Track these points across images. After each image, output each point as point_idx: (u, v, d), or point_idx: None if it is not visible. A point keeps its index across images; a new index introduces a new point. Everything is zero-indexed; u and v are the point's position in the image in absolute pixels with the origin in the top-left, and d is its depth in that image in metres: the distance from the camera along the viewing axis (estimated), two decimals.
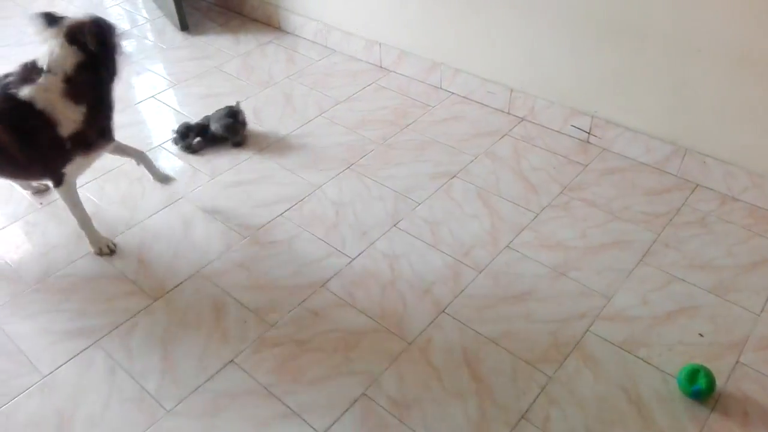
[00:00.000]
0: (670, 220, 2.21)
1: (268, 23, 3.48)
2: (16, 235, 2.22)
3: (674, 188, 2.35)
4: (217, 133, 2.58)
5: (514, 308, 1.93)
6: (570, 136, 2.60)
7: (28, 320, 1.92)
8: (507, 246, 2.14)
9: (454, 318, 1.90)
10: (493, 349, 1.82)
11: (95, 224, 2.15)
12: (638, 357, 1.79)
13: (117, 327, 1.89)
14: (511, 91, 2.69)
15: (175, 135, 2.62)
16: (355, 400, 1.69)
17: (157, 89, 3.00)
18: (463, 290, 1.99)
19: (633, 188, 2.35)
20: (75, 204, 2.07)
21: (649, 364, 1.77)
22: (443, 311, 1.93)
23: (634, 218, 2.22)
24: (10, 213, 2.31)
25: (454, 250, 2.13)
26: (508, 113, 2.74)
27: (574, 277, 2.02)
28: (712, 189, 2.33)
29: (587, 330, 1.86)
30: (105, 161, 2.48)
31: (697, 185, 2.35)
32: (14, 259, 2.12)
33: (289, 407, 1.68)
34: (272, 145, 2.61)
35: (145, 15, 3.66)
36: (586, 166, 2.46)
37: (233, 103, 2.64)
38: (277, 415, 1.66)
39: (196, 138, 2.59)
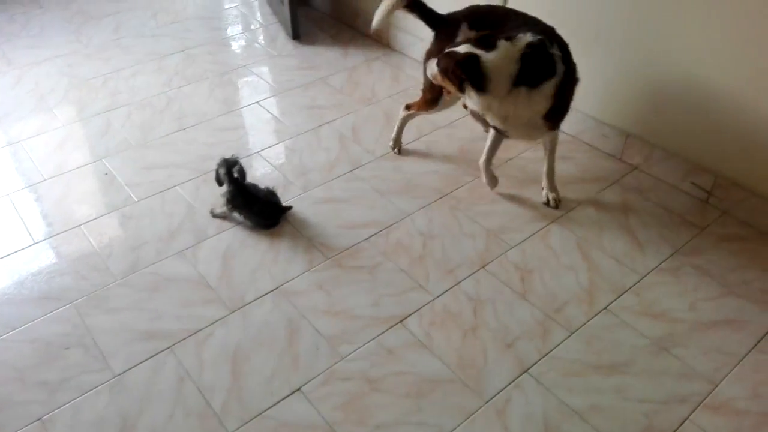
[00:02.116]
0: None
1: (378, 39, 3.44)
2: (110, 226, 2.27)
3: None
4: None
5: (607, 380, 1.76)
6: (687, 193, 2.38)
7: (109, 314, 1.94)
8: (605, 308, 1.96)
9: (537, 381, 1.76)
10: (577, 423, 1.65)
11: (185, 223, 2.17)
12: None
13: (192, 334, 1.87)
14: (627, 136, 2.50)
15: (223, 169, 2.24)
16: None
17: (262, 95, 3.02)
18: (550, 351, 1.84)
19: (754, 261, 2.11)
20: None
21: None
22: (526, 371, 1.78)
23: (752, 296, 1.99)
24: (108, 203, 2.37)
25: (545, 304, 1.98)
26: (620, 159, 2.56)
27: (677, 355, 1.82)
28: None
29: (687, 418, 1.67)
30: (206, 161, 2.51)
31: None
32: (105, 249, 2.17)
33: None
34: (366, 165, 2.55)
35: (260, 20, 3.72)
36: (704, 229, 2.24)
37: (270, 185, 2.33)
38: None
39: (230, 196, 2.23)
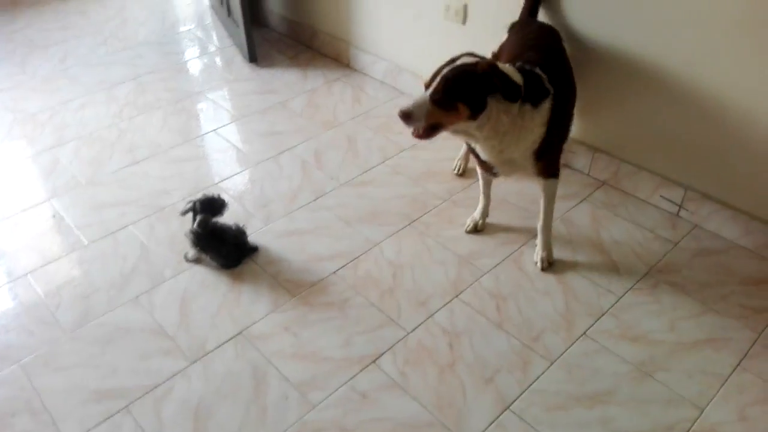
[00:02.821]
0: None
1: (337, 59, 3.36)
2: (59, 273, 2.12)
3: None
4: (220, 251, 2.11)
5: (591, 412, 1.69)
6: (657, 207, 2.34)
7: (58, 373, 1.80)
8: (584, 333, 1.90)
9: (520, 417, 1.67)
10: None
11: (139, 265, 2.04)
12: None
13: (150, 391, 1.74)
14: (594, 151, 2.46)
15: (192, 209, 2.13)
16: None
17: (219, 123, 2.91)
18: (531, 383, 1.76)
19: (729, 275, 2.08)
20: None
21: None
22: (508, 408, 1.70)
23: (732, 311, 1.95)
24: (57, 247, 2.22)
25: (523, 333, 1.90)
26: (588, 175, 2.51)
27: (661, 380, 1.76)
28: None
29: None
30: (161, 197, 2.39)
31: None
32: (53, 299, 2.02)
33: None
34: (330, 192, 2.46)
35: (215, 43, 3.61)
36: (676, 244, 2.20)
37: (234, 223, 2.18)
38: None
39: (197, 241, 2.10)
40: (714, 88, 2.02)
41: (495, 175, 2.02)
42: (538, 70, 1.81)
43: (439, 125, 1.73)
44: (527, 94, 1.74)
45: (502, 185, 2.41)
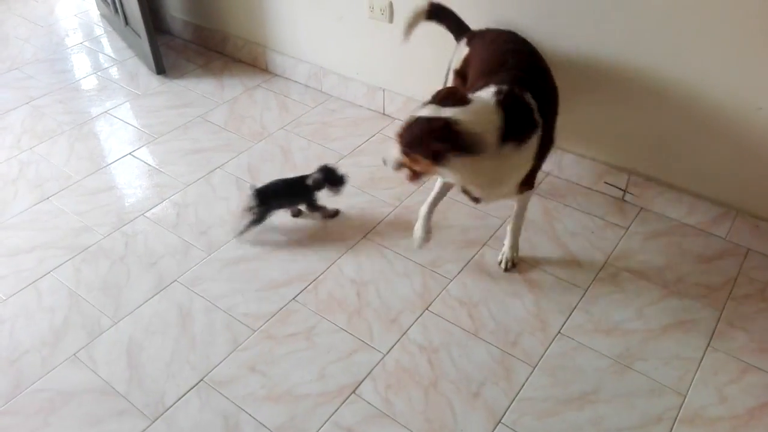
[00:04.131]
0: (730, 293, 2.00)
1: (254, 64, 3.17)
2: None
3: (725, 254, 2.14)
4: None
5: (581, 414, 1.66)
6: (603, 193, 2.37)
7: None
8: (559, 332, 1.88)
9: (513, 431, 1.62)
10: None
11: (71, 317, 1.80)
12: None
13: None
14: None
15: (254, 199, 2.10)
16: None
17: (133, 144, 2.65)
18: (518, 392, 1.71)
19: (682, 255, 2.13)
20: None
21: None
22: (500, 421, 1.64)
23: (691, 292, 2.00)
24: None
25: (500, 339, 1.85)
26: None
27: (640, 370, 1.77)
28: (765, 255, 2.13)
29: None
30: (82, 235, 2.14)
31: (749, 250, 2.15)
32: None
33: None
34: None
35: (113, 55, 3.30)
36: (627, 229, 2.23)
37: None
38: None
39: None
40: (649, 73, 2.05)
41: (477, 201, 1.90)
42: (528, 97, 1.65)
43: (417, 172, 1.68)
44: (510, 133, 1.58)
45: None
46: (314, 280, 2.03)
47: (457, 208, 2.30)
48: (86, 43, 3.41)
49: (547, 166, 2.45)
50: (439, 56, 2.27)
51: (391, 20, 2.57)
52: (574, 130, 2.33)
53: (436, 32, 2.18)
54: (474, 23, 2.13)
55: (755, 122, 1.94)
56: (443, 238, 2.18)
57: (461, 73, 2.00)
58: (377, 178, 2.46)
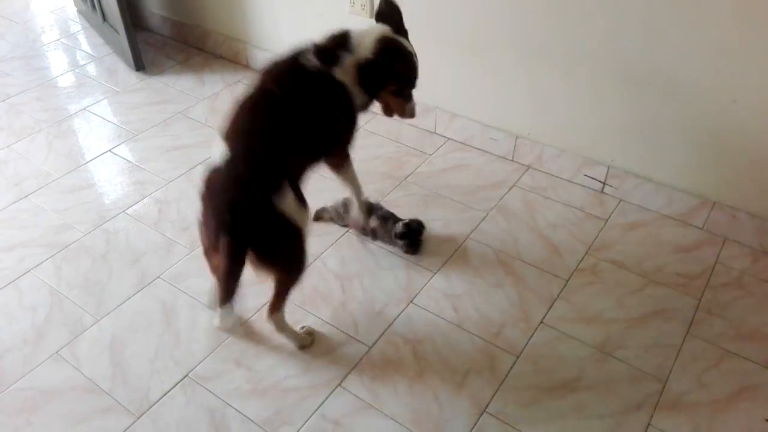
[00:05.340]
0: (707, 281, 2.04)
1: (235, 60, 3.15)
2: None
3: (703, 244, 2.18)
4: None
5: (564, 401, 1.69)
6: (583, 185, 2.41)
7: None
8: (541, 322, 1.90)
9: (498, 419, 1.64)
10: None
11: (53, 315, 1.78)
12: None
13: None
14: (516, 137, 2.47)
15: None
16: None
17: (113, 141, 2.63)
18: (502, 381, 1.73)
19: (660, 245, 2.17)
20: None
21: None
22: (485, 411, 1.66)
23: (670, 281, 2.04)
24: None
25: (483, 330, 1.87)
26: (513, 161, 2.53)
27: (621, 357, 1.80)
28: (742, 244, 2.17)
29: (649, 424, 1.64)
30: (62, 233, 2.12)
31: (726, 239, 2.19)
32: None
33: None
34: None
35: (90, 52, 3.26)
36: (606, 220, 2.27)
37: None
38: None
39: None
40: (627, 67, 2.08)
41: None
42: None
43: None
44: None
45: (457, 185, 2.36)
46: None
47: (439, 202, 2.31)
48: (63, 40, 3.37)
49: (528, 158, 2.48)
50: (420, 51, 2.27)
51: (372, 15, 2.57)
52: (554, 123, 2.36)
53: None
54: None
55: (730, 114, 1.97)
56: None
57: None
58: (360, 171, 2.45)
